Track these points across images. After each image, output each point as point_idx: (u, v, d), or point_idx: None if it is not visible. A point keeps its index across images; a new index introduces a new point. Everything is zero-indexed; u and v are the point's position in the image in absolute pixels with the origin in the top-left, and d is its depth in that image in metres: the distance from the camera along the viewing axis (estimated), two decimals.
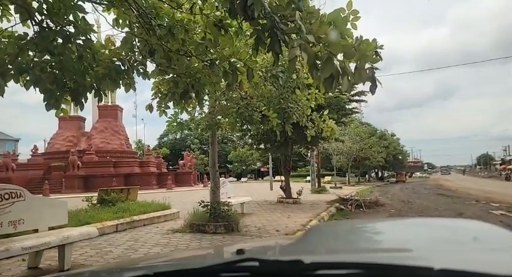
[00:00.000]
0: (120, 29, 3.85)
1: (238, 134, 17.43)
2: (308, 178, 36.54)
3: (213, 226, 8.44)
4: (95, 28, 3.69)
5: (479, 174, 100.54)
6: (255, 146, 19.51)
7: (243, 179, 64.11)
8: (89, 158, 36.78)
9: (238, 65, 4.03)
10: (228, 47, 4.00)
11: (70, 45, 3.50)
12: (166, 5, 3.76)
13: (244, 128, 10.01)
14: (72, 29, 3.47)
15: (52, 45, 3.42)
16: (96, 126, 42.73)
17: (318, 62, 2.91)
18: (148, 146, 52.30)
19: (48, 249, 5.20)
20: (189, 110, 6.47)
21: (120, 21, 3.79)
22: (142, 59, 4.05)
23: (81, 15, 3.46)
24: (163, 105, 5.34)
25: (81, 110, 4.16)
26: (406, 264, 0.83)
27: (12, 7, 3.44)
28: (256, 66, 5.20)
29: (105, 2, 3.74)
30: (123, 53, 4.01)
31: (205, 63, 3.99)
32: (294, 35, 2.86)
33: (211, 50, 4.05)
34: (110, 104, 42.79)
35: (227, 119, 8.19)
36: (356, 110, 22.83)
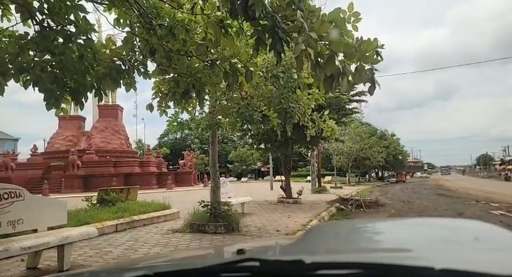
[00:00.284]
0: (121, 29, 3.85)
1: (238, 134, 17.44)
2: (308, 178, 36.54)
3: (213, 226, 8.43)
4: (95, 28, 3.69)
5: (479, 174, 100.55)
6: (255, 146, 19.51)
7: (243, 179, 64.14)
8: (89, 158, 36.78)
9: (238, 66, 4.03)
10: (228, 48, 4.00)
11: (71, 44, 3.49)
12: (167, 5, 3.76)
13: (244, 127, 10.03)
14: (73, 29, 3.47)
15: (53, 45, 3.42)
16: (97, 125, 42.74)
17: (320, 60, 2.91)
18: (149, 146, 52.34)
19: (47, 249, 5.19)
20: (190, 109, 6.46)
21: (121, 21, 3.78)
22: (143, 58, 4.05)
23: (82, 14, 3.46)
24: (163, 105, 5.34)
25: (81, 109, 4.16)
26: (407, 264, 0.83)
27: (12, 7, 3.44)
28: (257, 67, 5.20)
29: (106, 2, 3.74)
30: (123, 53, 4.01)
31: (205, 63, 3.99)
32: (295, 34, 2.86)
33: (212, 50, 4.05)
34: (110, 103, 42.81)
35: (227, 119, 8.19)
36: (356, 110, 22.86)
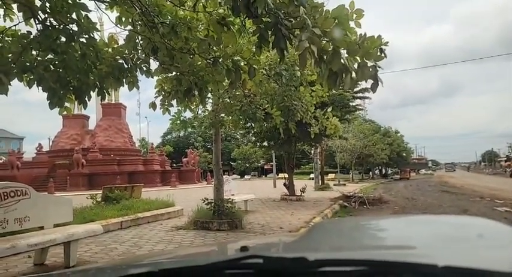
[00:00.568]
0: (123, 27, 3.85)
1: (241, 132, 17.42)
2: (311, 175, 36.53)
3: (217, 223, 8.45)
4: (97, 26, 3.69)
5: (484, 171, 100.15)
6: (258, 144, 19.49)
7: (246, 177, 64.21)
8: (93, 156, 36.92)
9: (241, 64, 4.03)
10: (231, 45, 3.99)
11: (73, 43, 3.50)
12: (169, 3, 3.76)
13: (247, 125, 10.05)
14: (75, 28, 3.47)
15: (55, 44, 3.43)
16: (100, 124, 42.86)
17: (325, 56, 2.90)
18: (152, 144, 52.42)
19: (53, 245, 5.23)
20: (193, 107, 6.47)
21: (123, 19, 3.78)
22: (146, 57, 4.05)
23: (84, 13, 3.46)
24: (166, 103, 5.35)
25: (85, 108, 4.18)
26: (410, 261, 0.83)
27: (15, 6, 3.45)
28: (260, 65, 5.20)
29: (108, 0, 3.75)
30: (126, 51, 4.01)
31: (208, 61, 3.99)
32: (298, 31, 2.85)
33: (215, 48, 4.05)
34: (113, 102, 42.90)
35: (230, 117, 8.20)
36: (360, 107, 22.83)
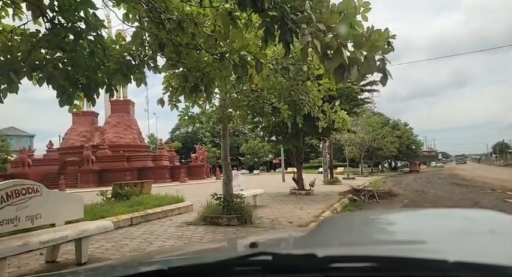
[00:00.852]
0: (130, 24, 3.86)
1: (249, 127, 17.41)
2: (320, 169, 36.48)
3: (226, 218, 8.49)
4: (105, 23, 3.71)
5: (495, 162, 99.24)
6: (266, 138, 19.49)
7: (255, 171, 64.32)
8: (103, 153, 37.24)
9: (248, 58, 4.02)
10: (237, 40, 3.98)
11: (81, 41, 3.52)
12: None
13: (255, 120, 10.01)
14: (83, 25, 3.49)
15: (64, 42, 3.46)
16: (109, 120, 43.16)
17: (329, 51, 2.88)
18: (161, 140, 52.72)
19: (65, 242, 5.28)
20: (200, 103, 6.48)
21: (130, 16, 3.80)
22: (153, 53, 4.07)
23: (91, 11, 3.48)
24: (174, 99, 5.36)
25: (93, 105, 4.20)
26: (420, 256, 0.83)
27: (24, 5, 3.48)
28: (267, 59, 5.18)
29: None
30: (133, 48, 4.03)
31: (215, 56, 3.99)
32: (304, 25, 2.84)
33: (221, 43, 4.04)
34: (122, 98, 43.13)
35: (238, 112, 8.19)
36: (368, 100, 22.67)
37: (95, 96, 4.01)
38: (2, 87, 3.49)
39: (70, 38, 3.47)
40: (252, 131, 24.81)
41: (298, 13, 2.93)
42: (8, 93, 3.54)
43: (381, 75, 3.03)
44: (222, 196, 8.91)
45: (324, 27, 2.76)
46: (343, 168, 46.09)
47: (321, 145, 28.60)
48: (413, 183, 26.83)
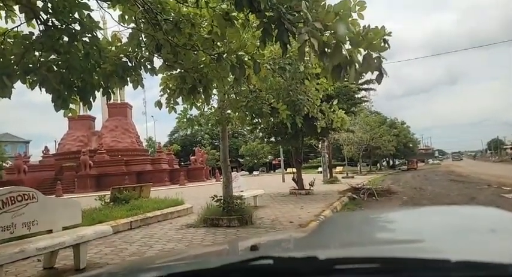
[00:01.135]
0: (126, 25, 3.82)
1: (248, 128, 17.39)
2: (319, 169, 36.54)
3: (227, 220, 8.44)
4: (100, 25, 3.66)
5: (490, 159, 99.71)
6: (265, 139, 19.48)
7: (255, 172, 64.36)
8: (100, 157, 37.09)
9: (245, 59, 3.99)
10: (235, 40, 3.95)
11: (76, 43, 3.48)
12: (171, 0, 3.72)
13: (254, 121, 9.98)
14: (77, 27, 3.45)
15: (58, 44, 3.41)
16: (106, 124, 43.02)
17: (327, 50, 2.86)
18: (159, 143, 52.61)
19: (63, 248, 5.22)
20: (198, 105, 6.44)
21: (126, 17, 3.76)
22: (149, 54, 4.03)
23: (86, 12, 3.43)
24: (172, 102, 5.33)
25: (90, 109, 4.16)
26: (422, 257, 0.83)
27: (16, 7, 3.42)
28: (264, 59, 5.15)
29: None
30: (129, 50, 3.99)
31: (212, 57, 3.95)
32: (301, 24, 2.82)
33: (219, 44, 4.01)
34: (119, 101, 43.01)
35: (237, 113, 8.16)
36: (365, 99, 22.73)
37: (91, 100, 3.96)
38: None
39: (64, 40, 3.43)
40: (251, 132, 24.80)
41: (295, 13, 2.91)
42: (0, 98, 3.48)
43: (376, 73, 3.03)
44: (222, 198, 8.87)
45: (321, 26, 2.74)
46: (342, 167, 46.19)
47: (319, 145, 28.63)
48: (412, 181, 26.90)
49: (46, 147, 42.45)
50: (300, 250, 1.28)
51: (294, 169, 18.41)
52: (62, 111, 3.88)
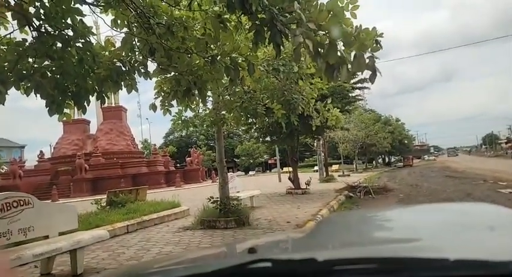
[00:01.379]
0: (119, 30, 3.82)
1: (243, 128, 17.39)
2: (316, 168, 36.57)
3: (224, 221, 8.44)
4: (93, 30, 3.66)
5: (485, 154, 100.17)
6: (261, 139, 19.51)
7: (251, 173, 64.38)
8: (96, 161, 36.94)
9: (239, 61, 4.00)
10: (228, 42, 3.96)
11: (70, 48, 3.48)
12: (164, 3, 3.73)
13: (249, 121, 10.00)
14: (71, 33, 3.44)
15: (51, 50, 3.40)
16: (101, 128, 42.83)
17: (321, 49, 2.88)
18: (155, 145, 52.43)
19: (60, 254, 5.20)
20: (193, 106, 6.44)
21: (119, 21, 3.76)
22: (143, 58, 4.03)
23: (78, 18, 3.43)
24: (166, 104, 5.32)
25: (84, 113, 4.15)
26: (421, 256, 0.83)
27: (9, 14, 3.41)
28: (258, 61, 5.16)
29: (102, 3, 3.71)
30: (123, 54, 3.99)
31: (206, 59, 3.96)
32: (294, 25, 2.84)
33: (212, 46, 4.02)
34: (113, 105, 42.83)
35: (232, 114, 8.16)
36: (359, 98, 22.79)
37: (85, 104, 3.96)
38: None
39: (58, 45, 3.42)
40: (247, 132, 24.83)
41: (287, 14, 2.92)
42: None
43: (370, 72, 3.05)
44: (219, 199, 8.87)
45: (315, 26, 2.76)
46: (338, 165, 46.33)
47: (315, 144, 28.68)
48: (408, 178, 27.00)
49: (41, 151, 42.23)
50: (298, 251, 1.28)
51: (290, 169, 18.42)
52: (56, 116, 3.88)
